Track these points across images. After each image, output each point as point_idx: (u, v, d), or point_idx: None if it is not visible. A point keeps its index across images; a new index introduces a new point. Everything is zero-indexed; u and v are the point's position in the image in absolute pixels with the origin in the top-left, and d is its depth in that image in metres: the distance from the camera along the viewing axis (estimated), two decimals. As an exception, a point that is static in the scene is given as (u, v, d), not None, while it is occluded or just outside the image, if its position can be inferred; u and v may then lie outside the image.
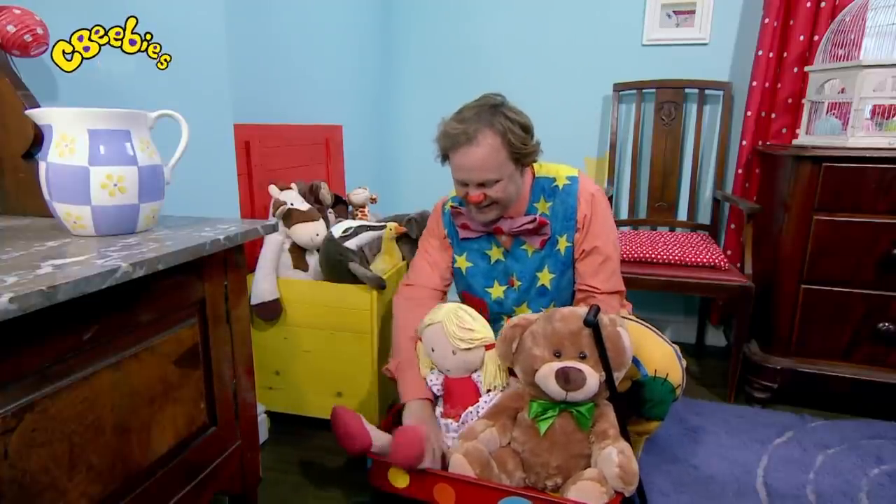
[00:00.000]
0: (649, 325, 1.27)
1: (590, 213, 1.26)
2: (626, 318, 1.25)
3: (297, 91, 1.88)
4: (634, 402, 1.18)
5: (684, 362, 1.22)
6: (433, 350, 1.24)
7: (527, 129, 1.19)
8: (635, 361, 1.16)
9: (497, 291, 1.35)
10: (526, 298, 1.33)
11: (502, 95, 1.23)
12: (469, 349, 1.22)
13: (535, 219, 1.25)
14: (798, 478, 1.41)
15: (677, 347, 1.23)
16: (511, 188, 1.22)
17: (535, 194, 1.29)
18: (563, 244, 1.28)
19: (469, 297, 1.41)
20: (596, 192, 1.29)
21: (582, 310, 1.08)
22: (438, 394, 1.28)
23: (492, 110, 1.17)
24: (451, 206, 1.34)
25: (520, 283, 1.32)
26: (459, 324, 1.22)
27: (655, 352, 1.19)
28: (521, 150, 1.17)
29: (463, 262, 1.36)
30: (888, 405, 1.72)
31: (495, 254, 1.33)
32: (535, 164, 1.30)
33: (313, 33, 1.94)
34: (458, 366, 1.23)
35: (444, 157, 1.25)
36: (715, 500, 1.33)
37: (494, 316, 1.37)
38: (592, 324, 1.03)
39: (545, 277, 1.31)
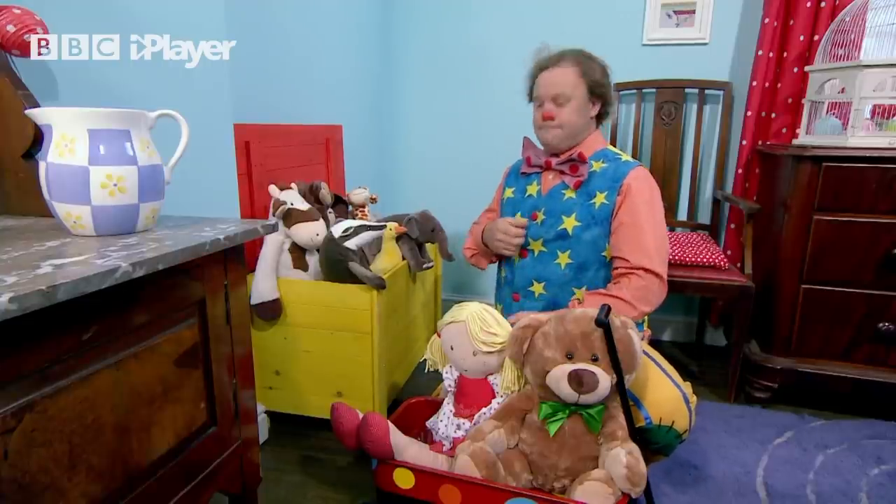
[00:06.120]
0: (659, 361, 1.23)
1: (635, 189, 1.30)
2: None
3: (297, 91, 1.88)
4: (638, 443, 1.12)
5: (693, 402, 1.16)
6: (452, 348, 1.24)
7: (605, 72, 1.38)
8: (639, 405, 1.14)
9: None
10: (543, 235, 1.37)
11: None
12: (491, 353, 1.21)
13: (578, 152, 1.36)
14: (798, 478, 1.41)
15: (686, 387, 1.18)
16: (577, 117, 1.35)
17: (597, 156, 1.38)
18: (599, 199, 1.33)
19: None
20: (650, 179, 1.35)
21: (593, 311, 1.08)
22: (451, 390, 1.28)
23: (577, 51, 1.38)
24: (525, 137, 1.50)
25: (543, 218, 1.38)
26: (483, 326, 1.21)
27: (661, 395, 1.15)
28: (597, 81, 1.35)
29: (508, 193, 1.51)
30: (888, 405, 1.72)
31: (531, 189, 1.44)
32: (611, 146, 1.42)
33: (313, 33, 1.94)
34: (476, 367, 1.23)
35: (531, 86, 1.43)
36: (715, 500, 1.33)
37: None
38: (604, 323, 1.02)
39: (569, 223, 1.34)
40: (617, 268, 1.32)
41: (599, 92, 1.36)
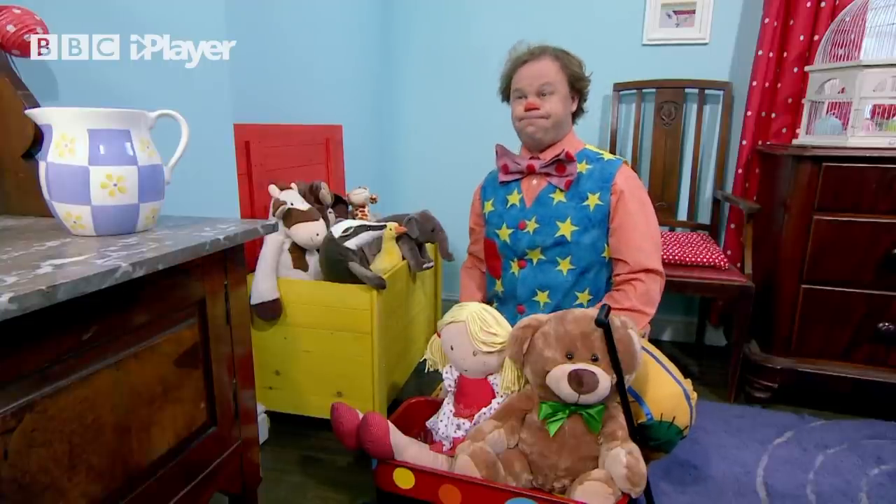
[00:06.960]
0: (660, 357, 1.23)
1: (627, 190, 1.32)
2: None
3: (297, 91, 1.88)
4: (639, 440, 1.12)
5: (693, 399, 1.17)
6: (452, 348, 1.24)
7: (582, 66, 1.39)
8: (640, 402, 1.14)
9: (504, 234, 1.41)
10: (541, 244, 1.35)
11: None
12: (491, 353, 1.21)
13: (564, 151, 1.33)
14: (798, 478, 1.41)
15: (687, 384, 1.18)
16: (561, 109, 1.34)
17: (579, 157, 1.37)
18: (593, 200, 1.32)
19: (488, 242, 1.48)
20: (635, 176, 1.37)
21: (593, 311, 1.08)
22: (451, 390, 1.28)
23: (554, 47, 1.38)
24: (497, 145, 1.46)
25: (537, 227, 1.36)
26: (483, 326, 1.20)
27: (662, 392, 1.15)
28: (576, 74, 1.36)
29: (489, 206, 1.48)
30: (888, 405, 1.72)
31: (512, 199, 1.42)
32: (588, 145, 1.42)
33: (313, 33, 1.94)
34: (476, 367, 1.23)
35: (507, 85, 1.42)
36: (715, 500, 1.33)
37: (506, 262, 1.43)
38: (604, 323, 1.02)
39: (566, 228, 1.33)
40: (618, 273, 1.33)
41: (579, 86, 1.37)
